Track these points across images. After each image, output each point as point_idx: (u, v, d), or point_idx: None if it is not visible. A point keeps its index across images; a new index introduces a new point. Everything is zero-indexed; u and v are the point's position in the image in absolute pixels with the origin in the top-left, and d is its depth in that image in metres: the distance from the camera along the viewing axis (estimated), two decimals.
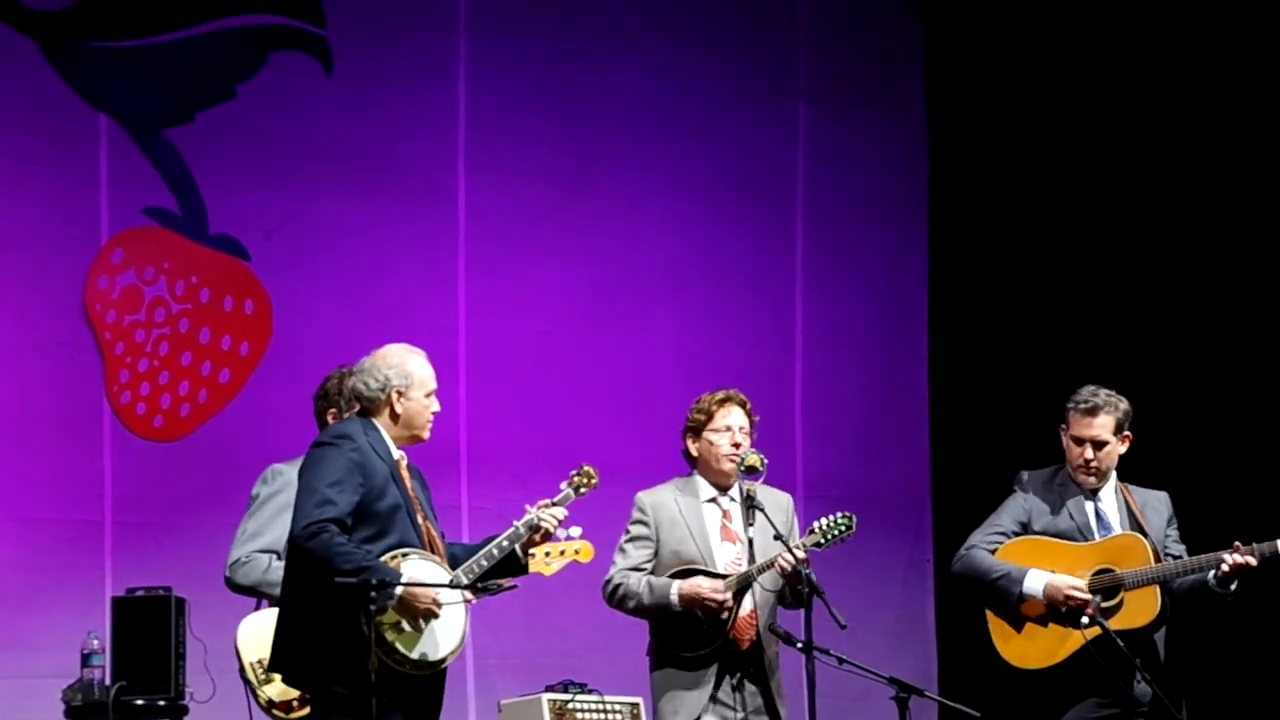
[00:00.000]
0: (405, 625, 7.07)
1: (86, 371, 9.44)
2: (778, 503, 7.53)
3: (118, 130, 9.55)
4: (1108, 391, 7.92)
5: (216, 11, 9.75)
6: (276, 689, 7.59)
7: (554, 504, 7.44)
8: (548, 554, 7.53)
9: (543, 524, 7.35)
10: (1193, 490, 8.50)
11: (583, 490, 7.55)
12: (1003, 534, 7.94)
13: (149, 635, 8.44)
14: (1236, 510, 8.94)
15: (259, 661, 7.60)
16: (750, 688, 7.37)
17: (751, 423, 7.52)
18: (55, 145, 9.45)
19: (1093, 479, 7.89)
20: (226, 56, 9.76)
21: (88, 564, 9.30)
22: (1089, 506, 7.91)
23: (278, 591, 7.41)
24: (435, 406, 7.29)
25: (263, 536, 7.86)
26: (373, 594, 6.89)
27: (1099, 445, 7.87)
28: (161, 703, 8.39)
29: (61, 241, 9.44)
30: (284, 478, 7.82)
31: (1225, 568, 7.64)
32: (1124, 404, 7.90)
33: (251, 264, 9.78)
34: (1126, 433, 7.89)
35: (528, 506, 7.43)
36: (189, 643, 8.54)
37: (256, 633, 7.66)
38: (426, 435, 7.31)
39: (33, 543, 9.21)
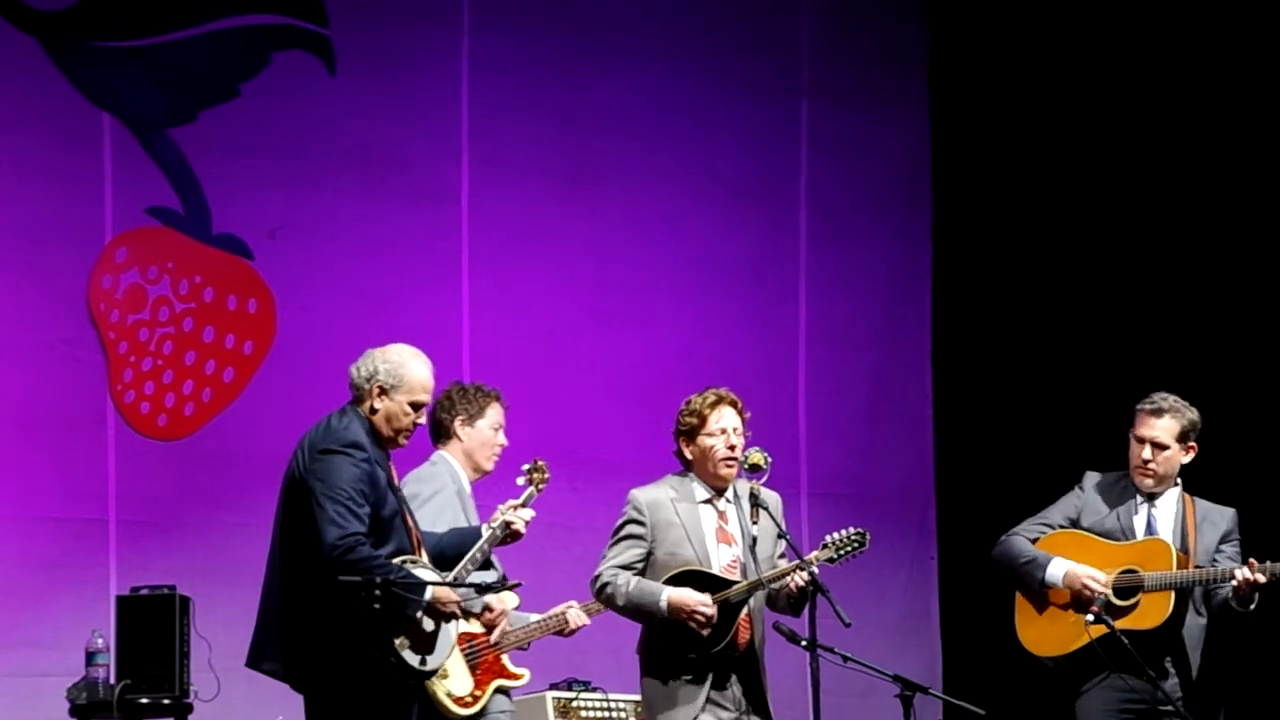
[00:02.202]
0: (420, 632, 7.08)
1: (90, 370, 9.44)
2: (771, 501, 7.49)
3: (121, 130, 9.55)
4: (1179, 399, 7.93)
5: (219, 11, 9.75)
6: (452, 683, 7.67)
7: (521, 504, 7.47)
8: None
9: (513, 526, 7.37)
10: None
11: (541, 486, 7.57)
12: (1048, 526, 8.00)
13: (153, 633, 8.46)
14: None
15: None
16: (745, 689, 7.34)
17: (744, 420, 7.43)
18: (59, 145, 9.45)
19: (1149, 481, 7.90)
20: (230, 56, 9.76)
21: (92, 562, 9.30)
22: (1141, 512, 7.92)
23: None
24: (418, 418, 7.25)
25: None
26: (378, 593, 6.91)
27: (1158, 447, 7.88)
28: (166, 701, 8.42)
29: (65, 240, 9.44)
30: (441, 479, 7.86)
31: (1235, 582, 7.64)
32: (1193, 413, 7.91)
33: (255, 263, 9.78)
34: (1191, 443, 7.90)
35: (500, 506, 7.46)
36: (193, 641, 8.56)
37: None
38: (403, 441, 7.27)
39: (37, 541, 9.22)
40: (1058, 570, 7.86)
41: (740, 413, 7.42)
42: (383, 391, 7.18)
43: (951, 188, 10.97)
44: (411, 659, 7.05)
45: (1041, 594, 7.91)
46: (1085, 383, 10.40)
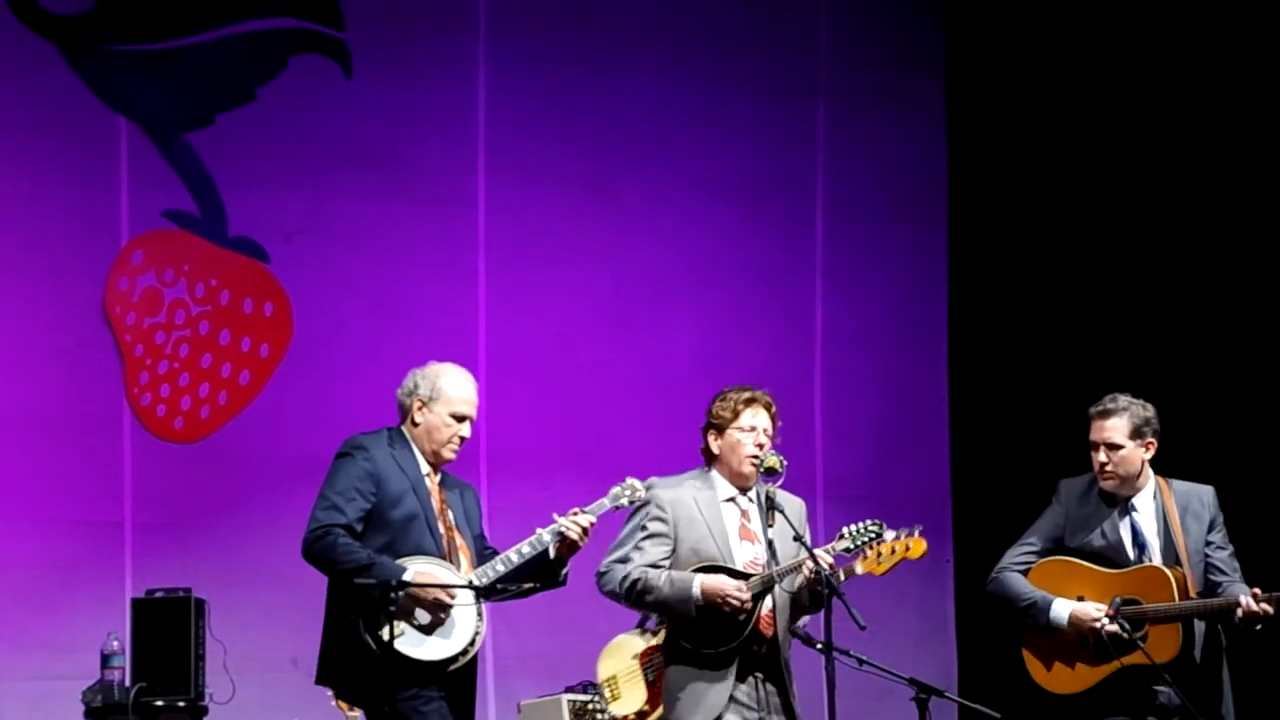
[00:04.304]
0: (415, 621, 7.11)
1: (107, 373, 9.46)
2: (793, 506, 7.50)
3: (138, 133, 9.57)
4: (1128, 397, 7.80)
5: (236, 15, 9.77)
6: (619, 705, 7.71)
7: (585, 511, 7.45)
8: (879, 554, 7.44)
9: (567, 534, 7.35)
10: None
11: (622, 502, 7.55)
12: (1035, 553, 7.87)
13: (169, 636, 8.49)
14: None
15: (611, 678, 7.70)
16: (769, 687, 7.33)
17: (774, 425, 7.45)
18: (76, 148, 9.47)
19: (1112, 483, 7.78)
20: (246, 60, 9.77)
21: (107, 565, 9.32)
22: (1124, 523, 7.81)
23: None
24: (461, 430, 7.34)
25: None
26: (393, 594, 6.96)
27: (1112, 447, 7.75)
28: (181, 703, 8.45)
29: (82, 244, 9.46)
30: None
31: (1240, 613, 7.58)
32: (1143, 410, 7.77)
33: (271, 266, 9.80)
34: (1149, 439, 7.76)
35: (555, 515, 7.44)
36: (208, 644, 8.57)
37: (611, 650, 7.78)
38: (448, 455, 7.37)
39: (53, 544, 9.23)
40: (1062, 612, 7.72)
41: (773, 416, 7.45)
42: (423, 404, 7.35)
43: (968, 190, 10.97)
44: (409, 649, 7.09)
45: (1046, 636, 7.79)
46: (1100, 386, 10.34)
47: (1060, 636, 7.76)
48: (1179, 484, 7.86)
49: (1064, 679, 7.80)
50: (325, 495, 7.19)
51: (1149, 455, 7.79)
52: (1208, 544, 7.77)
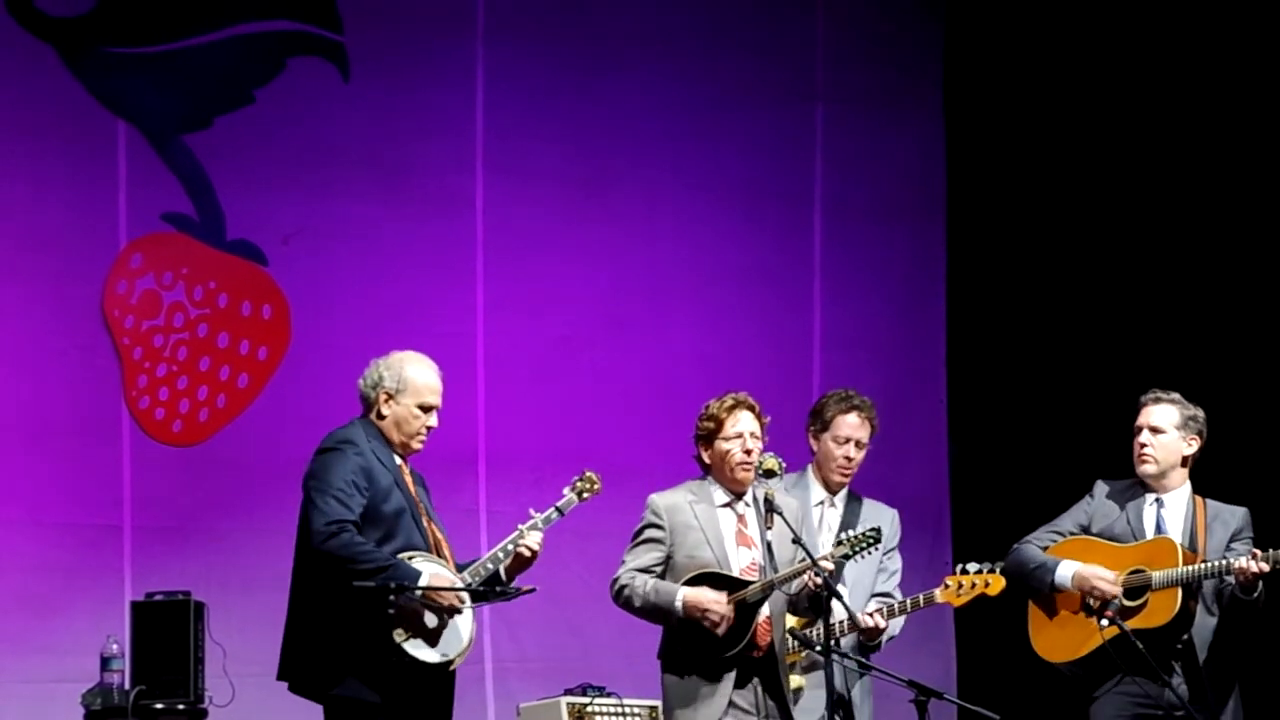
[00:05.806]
0: (421, 624, 7.10)
1: (105, 376, 9.46)
2: (791, 508, 7.50)
3: (136, 136, 9.57)
4: (1182, 396, 7.98)
5: (235, 18, 9.77)
6: None
7: (555, 506, 7.45)
8: (960, 586, 7.63)
9: (520, 551, 7.35)
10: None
11: (585, 495, 7.56)
12: (1059, 533, 8.02)
13: (168, 639, 8.50)
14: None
15: None
16: (766, 691, 7.34)
17: (762, 425, 7.46)
18: (74, 151, 9.47)
19: (1149, 467, 7.89)
20: (245, 62, 9.77)
21: (107, 568, 9.32)
22: (1150, 511, 7.93)
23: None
24: (428, 420, 7.30)
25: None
26: (392, 597, 6.94)
27: (1155, 431, 7.90)
28: (181, 706, 8.46)
29: (80, 247, 9.46)
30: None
31: (1238, 566, 7.63)
32: (1194, 408, 7.95)
33: (269, 269, 9.80)
34: (1193, 435, 7.92)
35: (519, 526, 7.43)
36: (208, 647, 8.58)
37: None
38: (416, 446, 7.33)
39: (52, 547, 9.23)
40: (1066, 572, 7.86)
41: (758, 417, 7.47)
42: (389, 397, 7.29)
43: (966, 192, 10.97)
44: (417, 651, 7.09)
45: (1052, 600, 7.91)
46: (1099, 388, 10.38)
47: (1064, 602, 7.86)
48: (1215, 502, 8.00)
49: (1060, 646, 7.90)
50: (324, 490, 7.10)
51: (1190, 452, 7.94)
52: (1229, 549, 7.84)
